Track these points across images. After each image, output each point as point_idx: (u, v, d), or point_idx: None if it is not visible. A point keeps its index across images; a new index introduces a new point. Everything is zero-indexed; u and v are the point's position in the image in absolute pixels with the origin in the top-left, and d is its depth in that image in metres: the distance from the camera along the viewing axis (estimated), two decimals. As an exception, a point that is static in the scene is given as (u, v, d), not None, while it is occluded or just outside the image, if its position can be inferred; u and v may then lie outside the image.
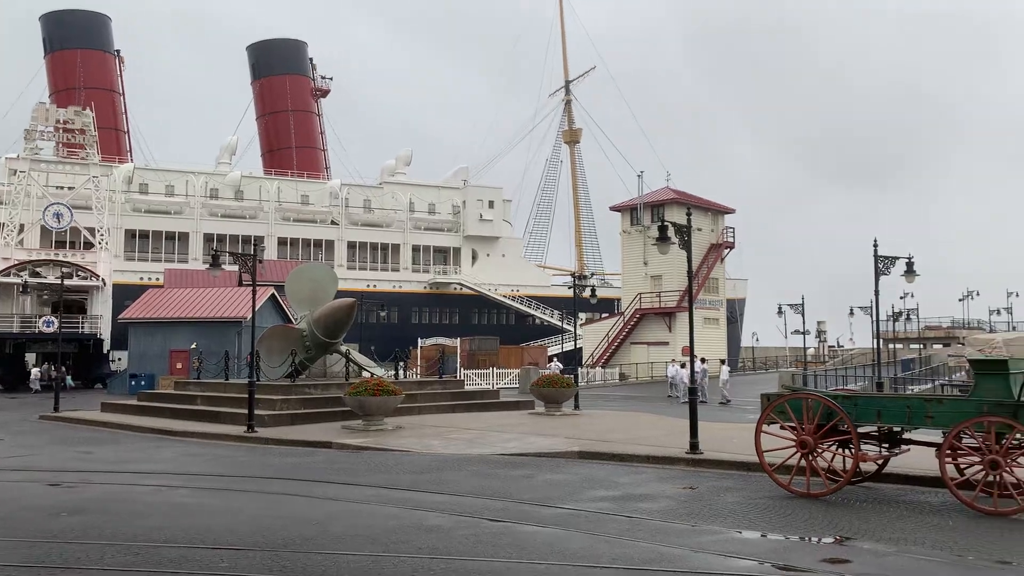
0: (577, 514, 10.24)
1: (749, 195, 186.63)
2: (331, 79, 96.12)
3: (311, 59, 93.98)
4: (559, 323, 67.62)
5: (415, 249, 79.98)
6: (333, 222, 77.21)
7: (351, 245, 77.05)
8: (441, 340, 52.53)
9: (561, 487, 12.44)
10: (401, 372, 28.71)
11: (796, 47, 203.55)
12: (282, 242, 74.70)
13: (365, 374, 25.21)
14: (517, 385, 42.36)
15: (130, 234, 69.00)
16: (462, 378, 39.27)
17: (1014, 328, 70.82)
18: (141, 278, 63.10)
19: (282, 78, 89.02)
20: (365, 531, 9.20)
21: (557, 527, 9.41)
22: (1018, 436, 10.47)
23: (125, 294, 54.97)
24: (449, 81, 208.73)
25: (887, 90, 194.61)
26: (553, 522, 9.70)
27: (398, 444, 17.77)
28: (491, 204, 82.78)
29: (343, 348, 26.23)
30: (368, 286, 73.27)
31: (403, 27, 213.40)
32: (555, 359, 51.96)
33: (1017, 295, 79.45)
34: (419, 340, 52.71)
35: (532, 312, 79.58)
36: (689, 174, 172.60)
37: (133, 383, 40.94)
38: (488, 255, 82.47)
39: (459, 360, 48.12)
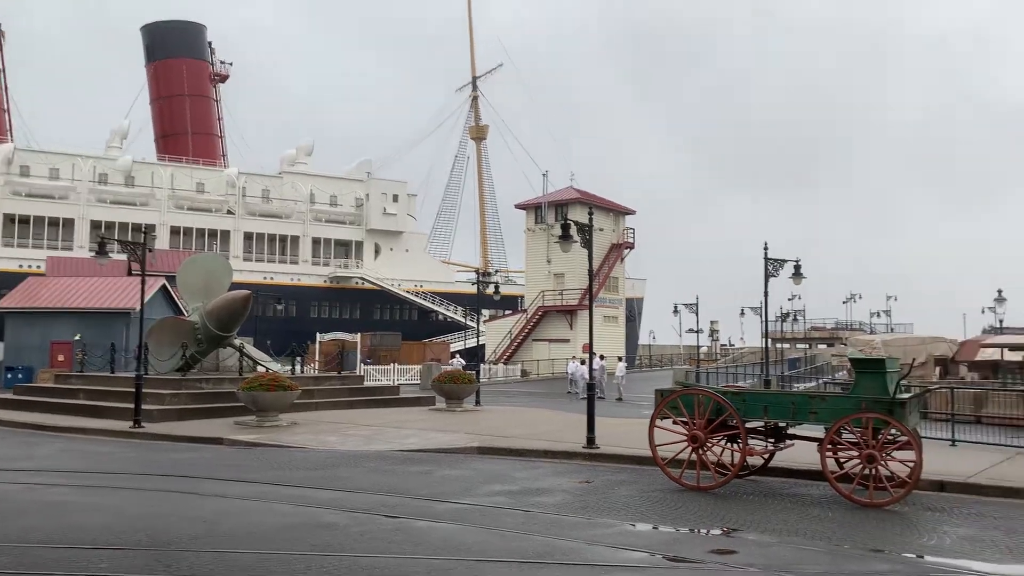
0: (474, 509, 10.26)
1: (653, 195, 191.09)
2: (231, 64, 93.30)
3: (210, 43, 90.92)
4: (462, 319, 67.78)
5: (315, 242, 78.52)
6: (229, 212, 74.99)
7: (248, 236, 75.01)
8: (341, 335, 51.73)
9: (459, 482, 12.45)
10: (298, 367, 28.08)
11: (702, 52, 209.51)
12: (175, 231, 72.07)
13: (260, 369, 24.58)
14: (418, 381, 42.15)
15: (9, 219, 65.27)
16: (362, 374, 38.74)
17: (892, 330, 75.00)
18: (20, 265, 59.77)
19: (178, 61, 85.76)
20: (256, 529, 8.96)
21: (453, 522, 9.40)
22: (893, 431, 11.07)
23: (2, 282, 51.94)
24: (356, 72, 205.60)
25: (789, 97, 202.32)
26: (449, 517, 9.69)
27: (293, 440, 17.40)
28: (395, 198, 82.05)
29: (237, 342, 25.51)
30: (265, 278, 71.53)
31: (310, 14, 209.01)
32: (457, 355, 51.94)
33: (896, 299, 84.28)
34: (318, 335, 51.76)
35: (435, 308, 79.34)
36: (594, 174, 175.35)
37: (9, 376, 38.67)
38: (391, 249, 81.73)
39: (359, 356, 47.52)
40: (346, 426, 20.14)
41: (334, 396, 25.53)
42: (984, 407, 21.90)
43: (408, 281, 79.32)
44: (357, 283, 77.68)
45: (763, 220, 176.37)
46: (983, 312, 57.27)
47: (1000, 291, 45.87)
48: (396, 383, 39.63)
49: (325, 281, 76.77)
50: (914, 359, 18.44)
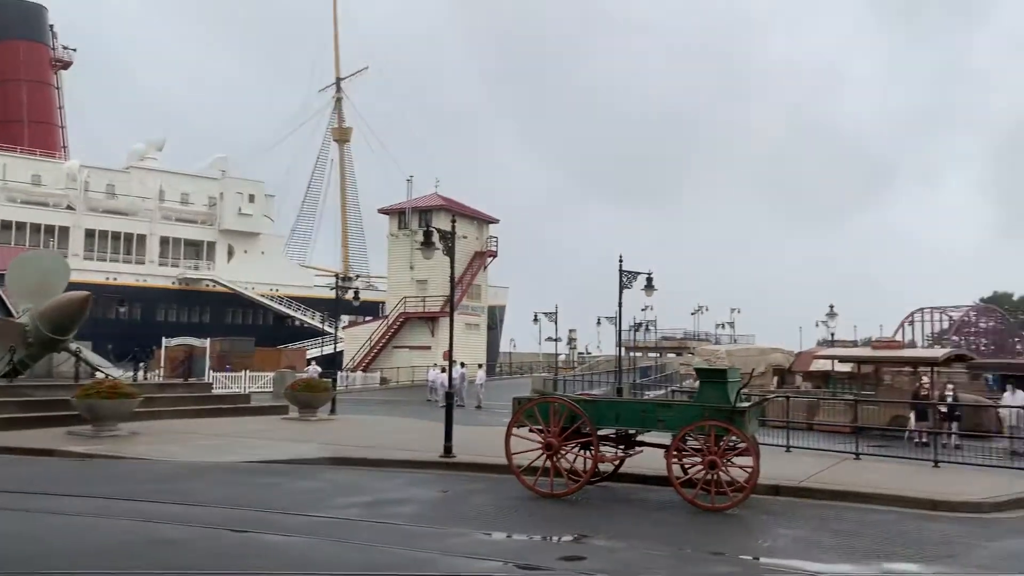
0: (326, 522, 10.06)
1: (519, 203, 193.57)
2: (75, 50, 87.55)
3: (51, 26, 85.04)
4: (321, 325, 66.24)
5: (164, 241, 74.75)
6: (69, 207, 70.26)
7: (90, 233, 70.51)
8: (189, 340, 49.39)
9: (311, 494, 12.16)
10: (141, 373, 26.61)
11: (572, 63, 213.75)
12: (6, 226, 66.77)
13: (99, 375, 23.13)
14: (272, 389, 40.86)
15: None
16: (211, 381, 37.21)
17: (735, 341, 79.15)
18: None
19: (14, 43, 79.67)
20: (91, 546, 8.42)
21: (304, 536, 9.18)
22: (733, 438, 11.71)
23: None
24: (216, 67, 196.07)
25: (653, 110, 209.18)
26: (301, 531, 9.45)
27: (134, 451, 16.47)
28: (252, 198, 79.31)
29: (73, 346, 23.90)
30: (108, 279, 67.46)
31: (169, 2, 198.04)
32: (314, 363, 50.73)
33: (739, 311, 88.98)
34: (164, 339, 49.26)
35: (292, 313, 77.17)
36: (460, 180, 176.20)
37: None
38: (246, 251, 78.91)
39: (208, 362, 45.55)
40: (192, 436, 19.25)
41: (180, 404, 24.37)
42: (816, 415, 23.46)
43: (263, 284, 76.79)
44: (208, 285, 74.48)
45: (624, 231, 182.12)
46: (817, 325, 61.48)
47: (832, 306, 49.37)
48: (247, 391, 38.25)
49: (174, 283, 73.17)
50: (753, 369, 19.59)
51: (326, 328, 60.48)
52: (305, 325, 75.94)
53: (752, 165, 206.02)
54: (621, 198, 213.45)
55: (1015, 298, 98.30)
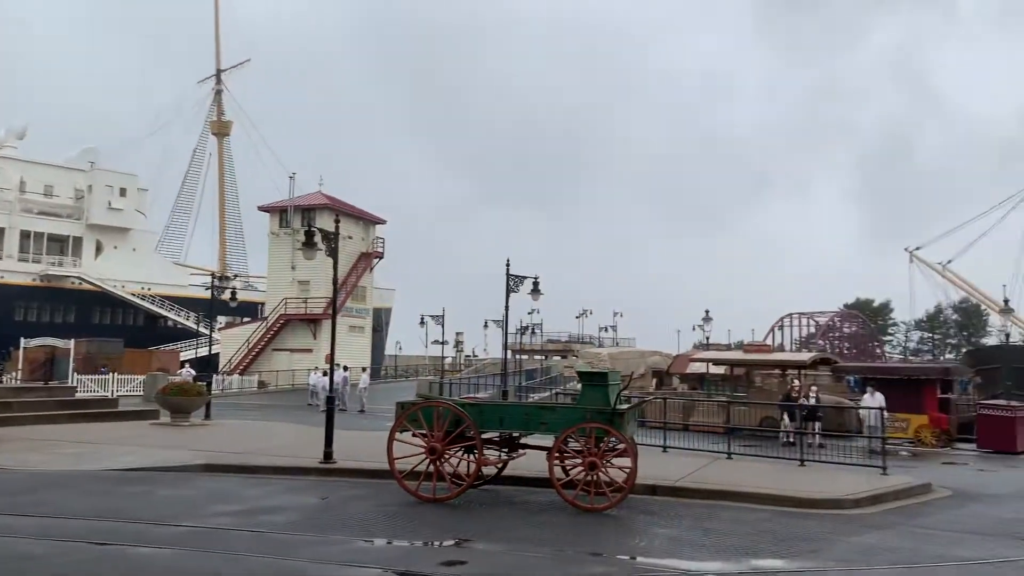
0: (197, 531, 9.67)
1: (411, 204, 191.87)
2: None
3: None
4: (195, 326, 63.70)
5: (24, 235, 70.19)
6: (-84, 197, 65.11)
7: (-60, 225, 65.55)
8: (51, 341, 46.57)
9: (182, 503, 11.66)
10: (-4, 377, 24.90)
11: (469, 63, 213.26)
12: None
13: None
14: (142, 393, 39.03)
15: None
16: (74, 384, 35.20)
17: (617, 344, 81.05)
18: None
19: None
20: (-70, 566, 7.81)
21: (175, 547, 8.80)
22: (613, 440, 11.97)
23: None
24: (88, 52, 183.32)
25: (551, 117, 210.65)
26: (171, 542, 9.06)
27: (-14, 461, 15.36)
28: (123, 192, 75.56)
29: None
30: (-41, 275, 62.86)
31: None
32: (188, 365, 48.76)
33: (622, 315, 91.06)
34: (23, 340, 46.26)
35: (165, 313, 73.94)
36: (350, 179, 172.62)
37: None
38: (116, 248, 75.10)
39: (72, 364, 43.08)
40: (54, 443, 18.13)
41: (40, 410, 22.91)
42: (692, 415, 24.32)
43: (134, 283, 73.27)
44: (74, 283, 70.44)
45: (517, 234, 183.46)
46: (694, 329, 63.58)
47: (707, 311, 51.30)
48: (115, 395, 36.36)
49: (35, 280, 68.81)
50: (633, 372, 20.12)
51: (201, 329, 58.26)
52: (179, 326, 72.91)
53: (641, 170, 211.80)
54: (515, 200, 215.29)
55: (875, 304, 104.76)
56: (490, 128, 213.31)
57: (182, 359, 56.02)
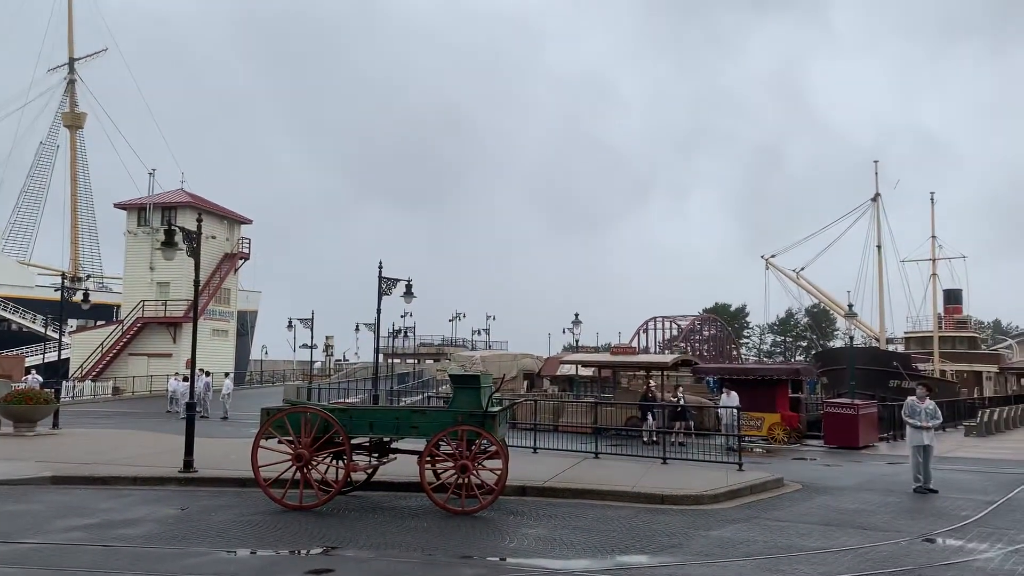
0: (43, 548, 9.07)
1: (284, 202, 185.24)
2: None
3: None
4: (43, 330, 59.59)
5: None
6: None
7: None
8: None
9: (26, 518, 10.89)
10: None
11: (348, 56, 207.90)
12: None
13: None
14: (-19, 401, 36.15)
15: None
16: (-98, 393, 32.17)
17: (490, 347, 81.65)
18: None
19: None
20: None
21: (15, 566, 8.20)
22: (485, 442, 12.02)
23: None
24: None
25: (436, 117, 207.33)
26: (13, 560, 8.45)
27: None
28: (-39, 186, 69.97)
29: None
30: None
31: None
32: (34, 371, 45.55)
33: (495, 318, 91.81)
34: None
35: (8, 316, 68.80)
36: (217, 177, 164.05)
37: None
38: (-48, 245, 69.42)
39: (-100, 371, 39.45)
40: None
41: None
42: (561, 416, 24.77)
43: (-27, 283, 67.92)
44: (-98, 284, 64.62)
45: (396, 235, 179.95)
46: (564, 332, 64.81)
47: (576, 314, 52.47)
48: (-50, 404, 33.53)
49: None
50: (505, 374, 20.28)
51: (50, 333, 54.59)
52: (24, 329, 68.05)
53: (526, 172, 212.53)
54: (396, 200, 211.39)
55: (732, 308, 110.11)
56: (369, 125, 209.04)
57: (28, 364, 52.26)
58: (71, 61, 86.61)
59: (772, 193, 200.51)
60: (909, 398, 15.61)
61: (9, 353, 59.09)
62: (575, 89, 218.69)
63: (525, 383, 41.14)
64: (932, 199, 61.47)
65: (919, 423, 14.95)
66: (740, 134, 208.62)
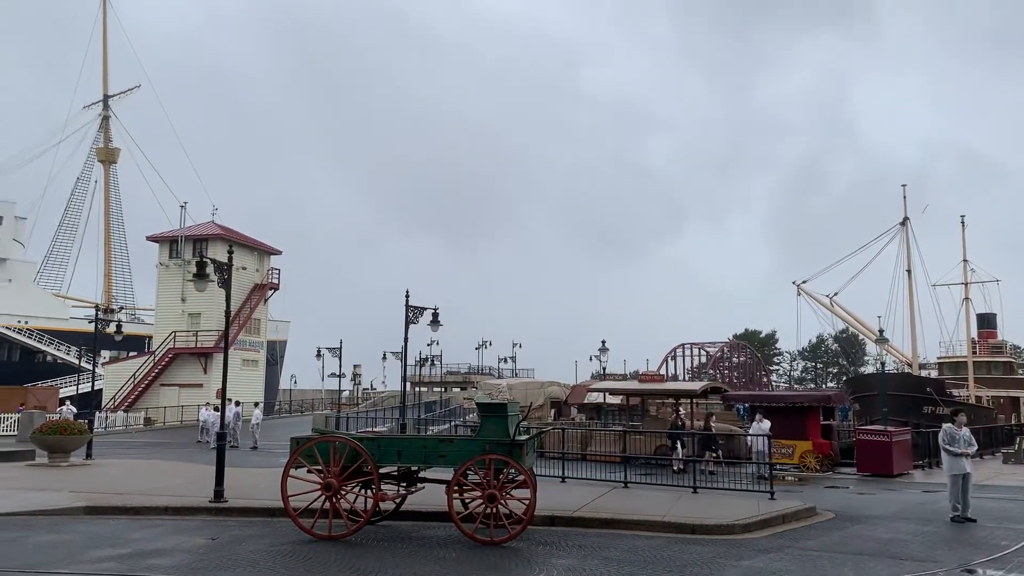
0: (75, 579, 9.12)
1: (314, 231, 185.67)
2: None
3: None
4: (77, 361, 60.45)
5: None
6: None
7: None
8: (-86, 378, 43.40)
9: (59, 549, 10.98)
10: None
11: (381, 82, 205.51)
12: None
13: None
14: (16, 433, 36.70)
15: None
16: (-60, 424, 32.77)
17: (516, 374, 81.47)
18: None
19: None
20: None
21: (48, 596, 8.27)
22: (512, 471, 11.97)
23: None
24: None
25: (469, 141, 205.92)
26: (44, 591, 8.51)
27: None
28: (-1, 220, 71.56)
29: None
30: None
31: None
32: (68, 402, 46.19)
33: (520, 346, 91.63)
34: None
35: (43, 348, 69.93)
36: (248, 206, 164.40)
37: None
38: (-10, 279, 70.83)
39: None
40: (-87, 489, 16.82)
41: (-101, 453, 21.27)
42: (589, 445, 24.60)
43: (10, 316, 69.07)
44: (-59, 317, 65.98)
45: (427, 263, 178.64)
46: (591, 359, 64.52)
47: (604, 341, 52.21)
48: (-13, 435, 34.09)
49: (-103, 313, 64.16)
50: (532, 402, 20.20)
51: (83, 364, 55.35)
52: (59, 361, 69.12)
53: (558, 197, 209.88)
54: (429, 227, 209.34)
55: (762, 335, 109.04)
56: (404, 150, 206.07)
57: (62, 396, 53.10)
58: (105, 98, 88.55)
59: (809, 215, 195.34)
60: (946, 424, 15.22)
61: (44, 384, 60.03)
62: (611, 111, 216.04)
63: (552, 411, 40.91)
64: (963, 222, 60.76)
65: (959, 450, 14.63)
66: (780, 155, 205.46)
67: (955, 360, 61.96)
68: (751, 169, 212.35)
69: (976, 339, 62.17)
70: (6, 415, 41.14)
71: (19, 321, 69.82)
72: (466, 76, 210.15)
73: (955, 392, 51.54)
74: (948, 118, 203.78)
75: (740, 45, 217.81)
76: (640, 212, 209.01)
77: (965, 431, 14.91)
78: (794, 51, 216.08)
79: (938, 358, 65.76)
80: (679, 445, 22.89)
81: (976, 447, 15.20)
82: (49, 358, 70.03)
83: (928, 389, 45.64)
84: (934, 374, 61.34)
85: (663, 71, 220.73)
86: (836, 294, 64.93)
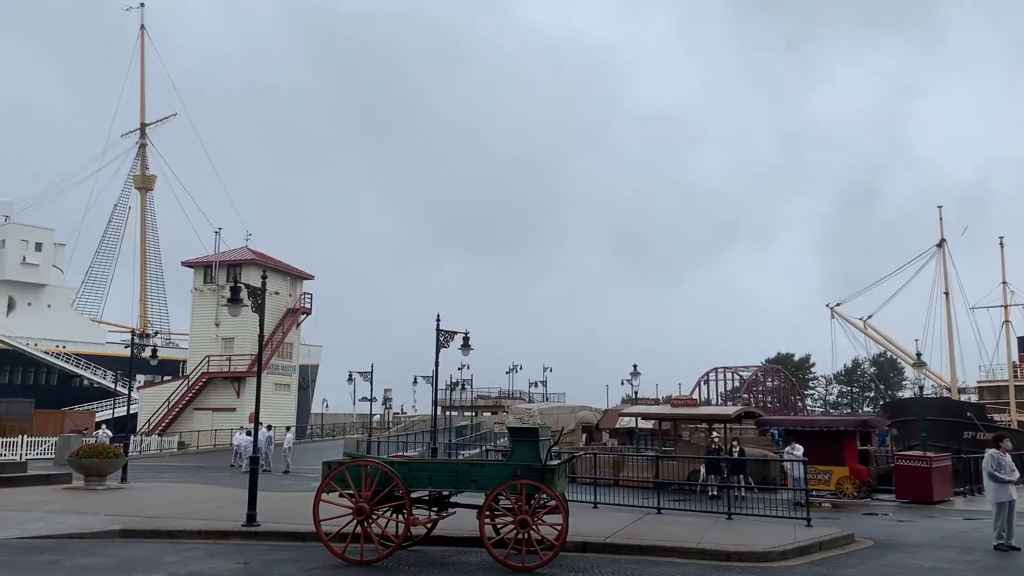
0: (110, 602, 9.19)
1: (352, 250, 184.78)
2: None
3: None
4: (112, 385, 61.37)
5: (-69, 291, 67.14)
6: None
7: None
8: (-49, 402, 44.25)
9: (95, 572, 11.09)
10: None
11: (422, 98, 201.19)
12: None
13: None
14: (54, 456, 37.23)
15: None
16: (-20, 448, 33.35)
17: (547, 399, 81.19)
18: None
19: None
20: None
21: (84, 619, 8.34)
22: (544, 496, 11.90)
23: None
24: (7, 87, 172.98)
25: (511, 160, 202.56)
26: (80, 614, 8.58)
27: None
28: (39, 246, 73.28)
29: None
30: None
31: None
32: (104, 426, 46.82)
33: (551, 370, 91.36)
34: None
35: (80, 372, 71.13)
36: (284, 227, 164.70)
37: None
38: (30, 304, 72.38)
39: (-21, 426, 40.87)
40: (-46, 511, 17.09)
41: (-60, 476, 21.65)
42: (622, 471, 24.39)
43: (48, 340, 70.41)
44: (-18, 342, 67.36)
45: (460, 285, 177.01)
46: (622, 383, 64.03)
47: (635, 365, 51.73)
48: (24, 458, 34.58)
49: (-62, 338, 65.64)
50: (563, 427, 20.10)
51: (119, 388, 56.16)
52: (95, 385, 70.21)
53: (604, 216, 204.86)
54: (469, 248, 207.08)
55: (796, 358, 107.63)
56: (442, 168, 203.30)
57: (98, 419, 53.85)
58: (143, 126, 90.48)
59: (860, 235, 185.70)
60: (990, 450, 14.76)
61: (81, 408, 60.97)
62: (658, 127, 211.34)
63: (584, 436, 40.66)
64: (1001, 243, 59.75)
65: (1006, 477, 14.25)
66: (832, 171, 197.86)
67: (996, 384, 60.68)
68: (802, 186, 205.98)
69: (1017, 363, 60.85)
70: (45, 439, 41.74)
71: (58, 346, 71.13)
72: (512, 92, 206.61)
73: (996, 417, 50.40)
74: (1008, 133, 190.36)
75: (793, 56, 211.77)
76: (683, 231, 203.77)
77: (1008, 457, 14.55)
78: (851, 63, 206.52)
79: (978, 382, 64.46)
80: (712, 470, 22.61)
81: (1019, 474, 14.83)
82: (86, 382, 71.18)
83: (968, 414, 44.65)
84: (974, 398, 60.11)
85: (714, 83, 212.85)
86: (870, 317, 63.99)
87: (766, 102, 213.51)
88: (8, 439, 40.24)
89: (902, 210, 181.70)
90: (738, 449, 23.80)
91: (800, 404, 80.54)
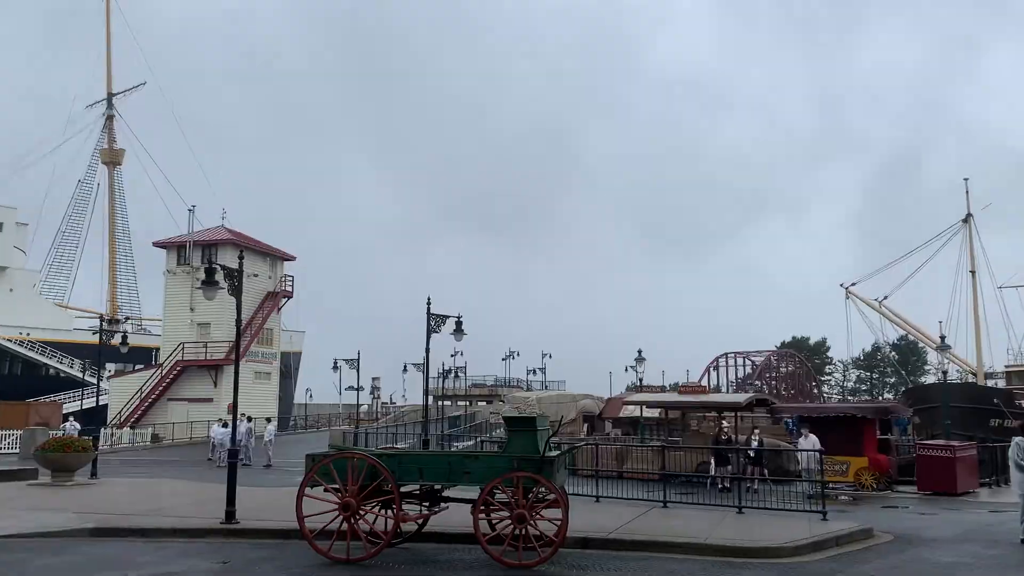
0: (81, 604, 9.26)
1: (343, 230, 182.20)
2: None
3: None
4: (80, 375, 61.39)
5: None
6: None
7: None
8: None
9: (63, 572, 11.17)
10: None
11: (424, 64, 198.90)
12: None
13: None
14: (18, 451, 37.31)
15: None
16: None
17: (546, 387, 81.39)
18: None
19: None
20: None
21: (52, 622, 8.40)
22: (542, 490, 11.96)
23: None
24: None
25: (521, 128, 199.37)
26: (48, 617, 8.65)
27: None
28: (0, 227, 72.86)
29: None
30: None
31: None
32: (72, 418, 46.88)
33: (551, 356, 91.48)
34: None
35: (46, 361, 71.05)
36: (266, 206, 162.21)
37: None
38: (-9, 289, 72.13)
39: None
40: (-88, 510, 17.16)
41: None
42: (625, 462, 24.50)
43: (10, 327, 70.26)
44: (-60, 329, 67.28)
45: (449, 268, 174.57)
46: (626, 370, 64.12)
47: (640, 351, 51.93)
48: (-13, 453, 34.69)
49: None
50: (563, 416, 20.17)
51: (87, 378, 56.19)
52: (62, 375, 70.18)
53: (619, 190, 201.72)
54: (475, 225, 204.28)
55: (812, 342, 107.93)
56: (442, 142, 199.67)
57: (66, 411, 53.89)
58: (109, 96, 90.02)
59: (902, 208, 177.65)
60: (1017, 438, 14.82)
61: (47, 400, 61.02)
62: (681, 92, 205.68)
63: (585, 426, 40.79)
64: (1030, 220, 59.85)
65: (1032, 467, 14.30)
66: (873, 137, 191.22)
67: (1025, 369, 60.96)
68: (839, 155, 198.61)
69: (1049, 346, 61.16)
70: (8, 432, 41.83)
71: (21, 333, 71.01)
72: (522, 57, 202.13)
73: (1025, 404, 50.67)
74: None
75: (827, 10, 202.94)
76: (704, 206, 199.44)
77: (1033, 445, 14.61)
78: (898, 17, 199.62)
79: (1006, 367, 64.72)
80: (721, 462, 22.71)
81: None
82: (52, 372, 71.15)
83: (995, 400, 44.88)
84: (1001, 384, 60.39)
85: (748, 40, 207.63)
86: (886, 298, 64.16)
87: (801, 61, 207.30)
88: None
89: (947, 182, 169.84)
90: (758, 440, 23.83)
91: (816, 391, 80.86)
